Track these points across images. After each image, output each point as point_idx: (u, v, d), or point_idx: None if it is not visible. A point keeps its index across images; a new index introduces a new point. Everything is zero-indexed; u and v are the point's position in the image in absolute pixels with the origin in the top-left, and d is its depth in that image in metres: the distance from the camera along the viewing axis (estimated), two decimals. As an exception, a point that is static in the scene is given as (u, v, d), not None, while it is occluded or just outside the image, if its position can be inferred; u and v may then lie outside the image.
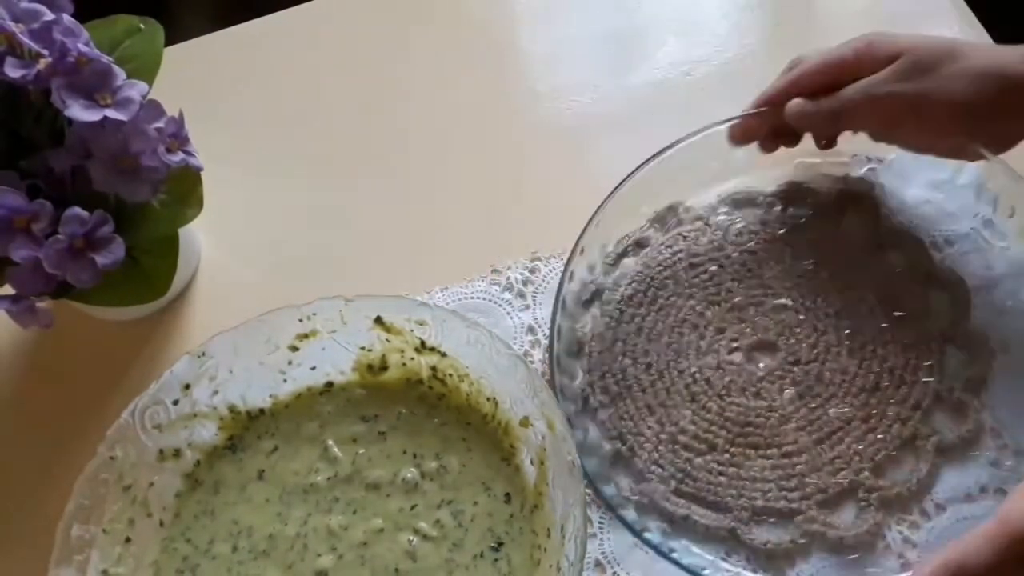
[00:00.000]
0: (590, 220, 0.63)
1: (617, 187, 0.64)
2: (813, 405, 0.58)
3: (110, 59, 0.58)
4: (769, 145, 0.63)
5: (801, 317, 0.61)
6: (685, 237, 0.66)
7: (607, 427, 0.59)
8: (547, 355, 0.61)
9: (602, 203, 0.64)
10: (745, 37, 0.77)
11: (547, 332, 0.62)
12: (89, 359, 0.68)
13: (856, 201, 0.65)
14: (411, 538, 0.54)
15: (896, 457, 0.56)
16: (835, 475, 0.55)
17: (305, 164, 0.77)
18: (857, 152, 0.65)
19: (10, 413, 0.67)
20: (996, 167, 0.57)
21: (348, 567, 0.54)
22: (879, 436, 0.56)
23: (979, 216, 0.61)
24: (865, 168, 0.65)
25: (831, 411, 0.58)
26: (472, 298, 0.67)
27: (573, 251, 0.62)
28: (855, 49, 0.59)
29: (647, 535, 0.52)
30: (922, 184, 0.63)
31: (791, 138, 0.62)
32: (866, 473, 0.55)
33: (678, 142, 0.64)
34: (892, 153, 0.63)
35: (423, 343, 0.58)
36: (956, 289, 0.60)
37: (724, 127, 0.64)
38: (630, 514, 0.53)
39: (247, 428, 0.59)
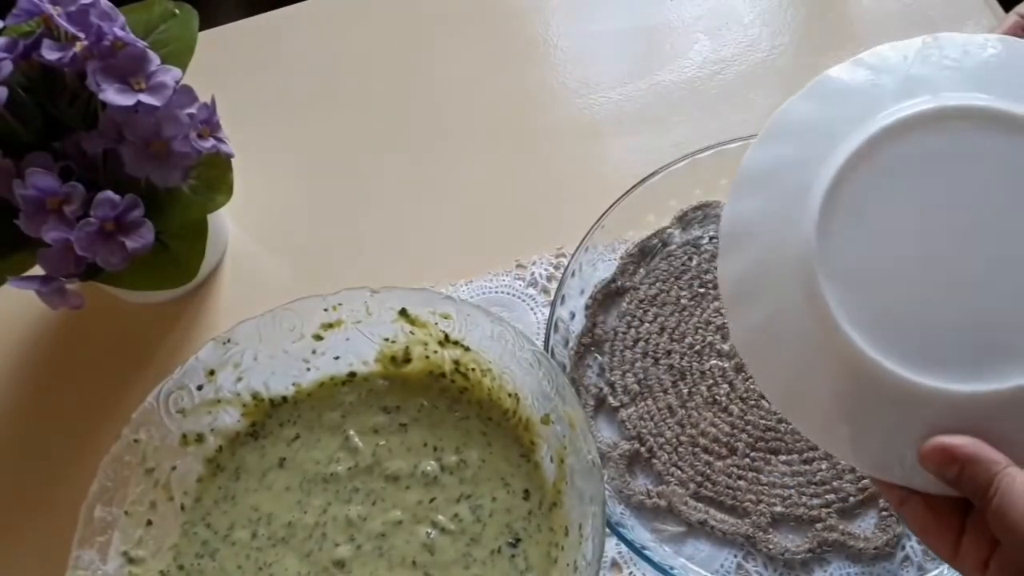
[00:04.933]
0: (596, 221, 0.63)
1: (630, 190, 0.64)
2: (835, 412, 0.58)
3: (145, 44, 0.58)
4: None
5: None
6: (711, 238, 0.66)
7: (626, 427, 0.59)
8: (565, 349, 0.61)
9: (613, 203, 0.64)
10: (777, 38, 0.77)
11: (571, 329, 0.62)
12: (116, 342, 0.68)
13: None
14: (429, 531, 0.55)
15: (918, 467, 0.56)
16: (856, 483, 0.55)
17: (334, 154, 0.77)
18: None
19: (37, 394, 0.67)
20: None
21: (366, 558, 0.54)
22: (901, 445, 0.56)
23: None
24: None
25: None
26: (496, 292, 0.67)
27: (578, 247, 0.62)
28: None
29: (647, 552, 0.52)
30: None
31: None
32: (887, 482, 0.55)
33: (701, 151, 0.64)
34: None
35: (447, 336, 0.58)
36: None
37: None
38: (628, 532, 0.53)
39: (269, 415, 0.60)
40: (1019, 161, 0.39)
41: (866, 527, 0.54)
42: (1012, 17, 0.45)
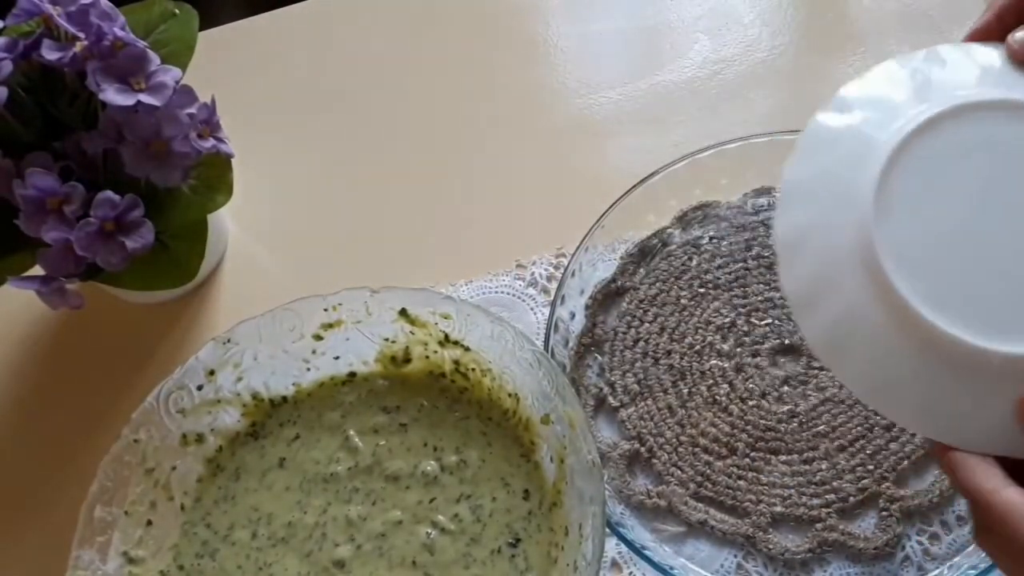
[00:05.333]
0: (596, 221, 0.63)
1: (630, 190, 0.64)
2: (836, 411, 0.58)
3: (145, 44, 0.58)
4: None
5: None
6: (711, 238, 0.66)
7: (626, 427, 0.59)
8: (565, 349, 0.61)
9: (613, 203, 0.64)
10: (777, 38, 0.77)
11: (571, 329, 0.62)
12: (116, 342, 0.68)
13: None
14: (429, 531, 0.55)
15: (918, 467, 0.56)
16: (856, 483, 0.55)
17: (334, 153, 0.77)
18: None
19: (37, 394, 0.67)
20: None
21: (366, 558, 0.54)
22: (902, 445, 0.56)
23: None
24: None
25: (854, 418, 0.57)
26: (496, 292, 0.67)
27: (578, 247, 0.62)
28: None
29: (647, 552, 0.52)
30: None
31: None
32: (888, 483, 0.55)
33: (703, 150, 0.64)
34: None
35: (447, 336, 0.58)
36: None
37: (763, 139, 0.64)
38: (628, 532, 0.53)
39: (269, 416, 0.60)
40: None
41: (866, 527, 0.54)
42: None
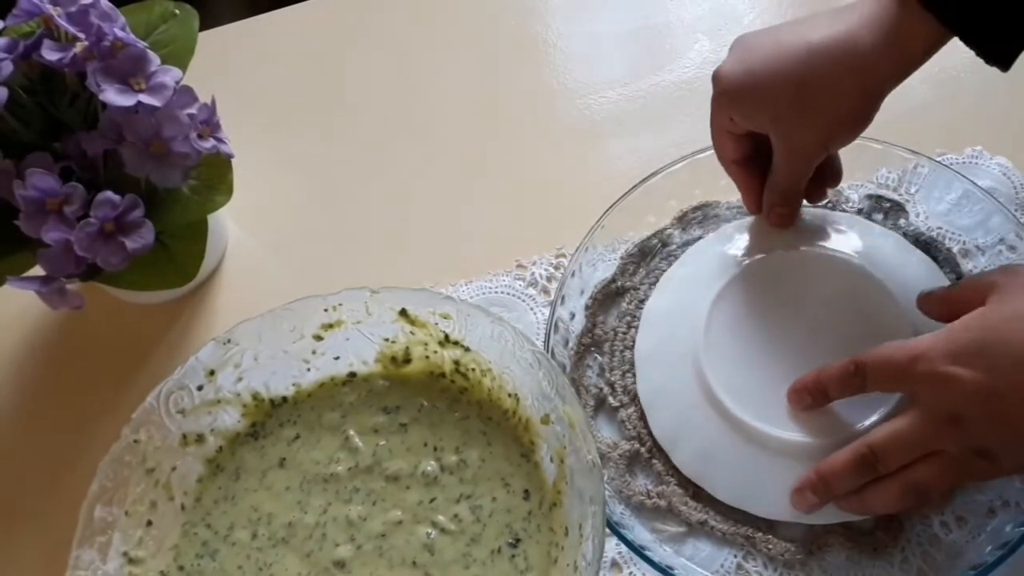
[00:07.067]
0: (596, 222, 0.63)
1: (630, 190, 0.64)
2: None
3: (145, 44, 0.58)
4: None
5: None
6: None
7: (626, 427, 0.59)
8: (565, 350, 0.61)
9: (614, 203, 0.64)
10: (778, 38, 0.77)
11: (571, 329, 0.62)
12: (116, 342, 0.69)
13: (887, 207, 0.65)
14: (429, 531, 0.55)
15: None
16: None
17: (334, 154, 0.77)
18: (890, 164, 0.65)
19: (37, 393, 0.68)
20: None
21: (366, 558, 0.54)
22: (901, 446, 0.56)
23: (1010, 226, 0.60)
24: (896, 175, 0.65)
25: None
26: (496, 292, 0.67)
27: (579, 248, 0.63)
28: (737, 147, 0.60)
29: (647, 552, 0.52)
30: (953, 192, 0.63)
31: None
32: (887, 483, 0.55)
33: (697, 153, 0.65)
34: (924, 161, 0.63)
35: (447, 336, 0.58)
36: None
37: None
38: (628, 532, 0.53)
39: (269, 416, 0.60)
40: (825, 286, 0.59)
41: (866, 527, 0.54)
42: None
